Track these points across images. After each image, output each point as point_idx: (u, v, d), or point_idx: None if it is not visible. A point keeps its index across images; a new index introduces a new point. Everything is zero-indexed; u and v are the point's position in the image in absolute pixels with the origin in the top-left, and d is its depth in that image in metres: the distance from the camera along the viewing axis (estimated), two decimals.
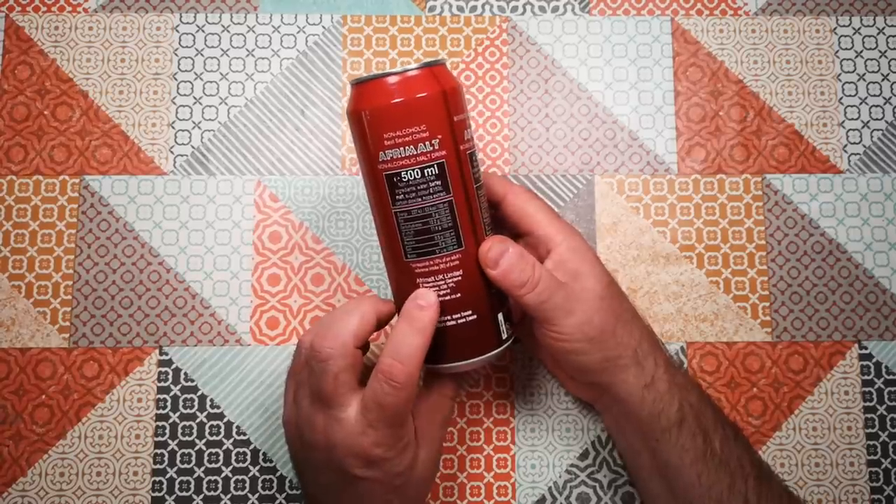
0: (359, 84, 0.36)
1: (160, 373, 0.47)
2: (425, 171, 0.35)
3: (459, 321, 0.37)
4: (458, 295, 0.37)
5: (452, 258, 0.37)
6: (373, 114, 0.35)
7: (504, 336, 0.39)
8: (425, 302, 0.36)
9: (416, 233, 0.36)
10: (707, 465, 0.39)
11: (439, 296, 0.37)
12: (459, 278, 0.37)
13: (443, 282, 0.37)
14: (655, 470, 0.40)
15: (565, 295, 0.39)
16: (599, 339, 0.39)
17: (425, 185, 0.36)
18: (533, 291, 0.38)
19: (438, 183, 0.35)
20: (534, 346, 0.46)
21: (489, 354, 0.38)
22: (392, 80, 0.35)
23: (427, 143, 0.35)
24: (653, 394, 0.40)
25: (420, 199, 0.36)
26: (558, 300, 0.38)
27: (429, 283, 0.37)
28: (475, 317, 0.37)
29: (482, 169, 0.40)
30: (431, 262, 0.37)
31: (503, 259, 0.37)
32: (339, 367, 0.36)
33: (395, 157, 0.35)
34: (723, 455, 0.39)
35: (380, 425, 0.35)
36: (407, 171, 0.35)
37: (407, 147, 0.35)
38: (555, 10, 0.52)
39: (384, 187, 0.36)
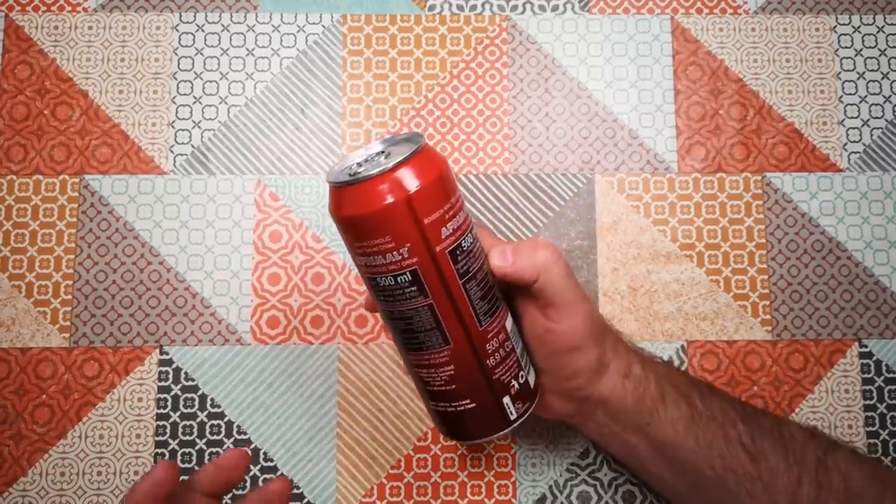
0: (332, 187, 0.34)
1: (161, 372, 0.47)
2: (398, 278, 0.34)
3: (459, 409, 0.37)
4: (454, 387, 0.36)
5: (441, 355, 0.35)
6: (341, 223, 0.34)
7: (512, 417, 0.37)
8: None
9: (403, 331, 0.36)
10: (699, 425, 0.39)
11: (436, 387, 0.36)
12: (452, 373, 0.36)
13: (436, 375, 0.36)
14: (655, 455, 0.40)
15: (576, 283, 0.39)
16: (595, 335, 0.39)
17: (401, 291, 0.34)
18: (554, 268, 0.37)
19: (414, 289, 0.34)
20: None
21: (497, 435, 0.37)
22: (355, 188, 0.33)
23: (395, 252, 0.33)
24: (632, 381, 0.40)
25: (399, 303, 0.35)
26: (574, 284, 0.38)
27: (423, 374, 0.36)
28: (474, 405, 0.36)
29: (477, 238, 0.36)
30: (422, 358, 0.36)
31: (518, 252, 0.37)
32: None
33: (368, 263, 0.34)
34: (707, 411, 0.39)
35: None
36: (382, 277, 0.34)
37: (377, 256, 0.34)
38: (554, 8, 0.52)
39: (370, 286, 0.36)
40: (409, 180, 0.33)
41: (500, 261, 0.36)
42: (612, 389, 0.39)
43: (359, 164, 0.35)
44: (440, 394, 0.36)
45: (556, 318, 0.38)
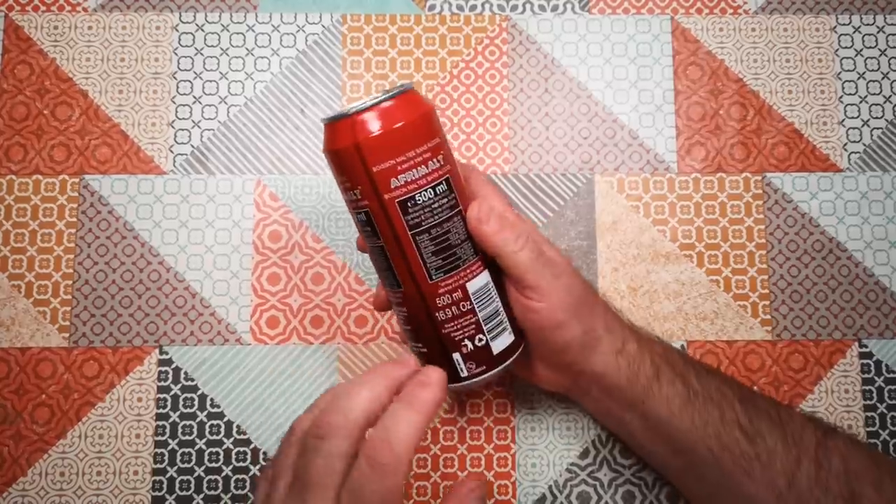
0: (323, 124, 0.37)
1: (160, 372, 0.47)
2: (358, 215, 0.37)
3: (416, 350, 0.39)
4: (409, 328, 0.39)
5: (397, 295, 0.38)
6: (325, 156, 0.37)
7: (463, 374, 0.38)
8: (428, 379, 0.32)
9: (375, 265, 0.39)
10: (694, 405, 0.39)
11: (401, 324, 0.39)
12: (406, 314, 0.38)
13: (399, 312, 0.39)
14: (649, 432, 0.40)
15: (548, 260, 0.38)
16: (579, 309, 0.39)
17: (363, 228, 0.37)
18: (523, 250, 0.37)
19: (369, 229, 0.37)
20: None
21: (449, 386, 0.38)
22: (331, 126, 0.36)
23: (353, 192, 0.36)
24: (626, 358, 0.40)
25: (366, 239, 0.38)
26: (544, 263, 0.38)
27: (395, 309, 0.39)
28: (426, 350, 0.38)
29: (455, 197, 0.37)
30: (389, 293, 0.39)
31: (493, 219, 0.37)
32: (337, 449, 0.30)
33: (342, 198, 0.38)
34: (704, 391, 0.39)
35: None
36: (352, 212, 0.37)
37: (344, 192, 0.37)
38: (554, 8, 0.52)
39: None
40: (367, 127, 0.35)
41: (474, 222, 0.37)
42: (604, 365, 0.39)
43: (335, 111, 0.37)
44: (405, 332, 0.39)
45: (533, 297, 0.38)
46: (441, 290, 0.37)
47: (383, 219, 0.36)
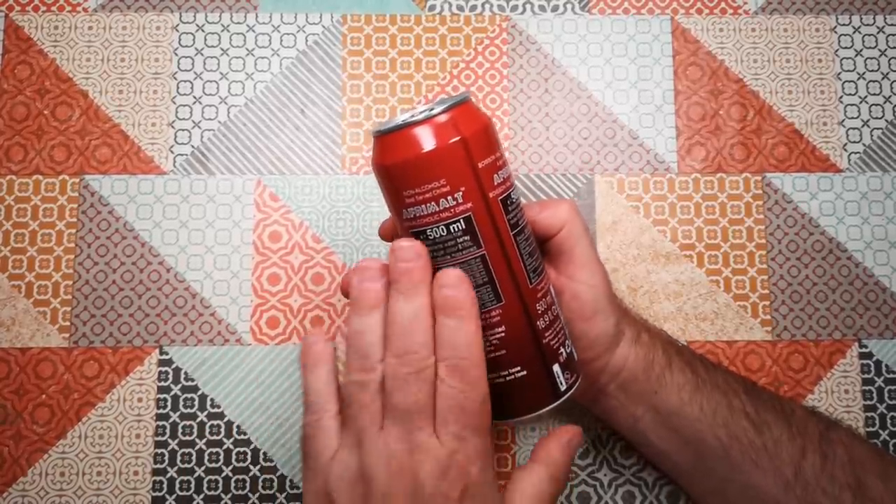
0: (377, 136, 0.34)
1: (160, 372, 0.47)
2: (451, 227, 0.33)
3: (508, 378, 0.35)
4: (504, 352, 0.34)
5: (492, 314, 0.34)
6: (388, 171, 0.33)
7: (563, 388, 0.35)
8: (451, 283, 0.32)
9: None
10: (703, 393, 0.39)
11: (486, 354, 0.33)
12: (503, 335, 0.34)
13: (486, 339, 0.34)
14: (660, 426, 0.40)
15: (593, 243, 0.39)
16: (612, 299, 0.39)
17: (453, 242, 0.33)
18: (576, 220, 0.37)
19: (467, 238, 0.33)
20: None
21: (545, 409, 0.35)
22: (406, 132, 0.32)
23: (449, 197, 0.32)
24: (643, 348, 0.40)
25: (449, 257, 0.33)
26: (590, 241, 0.38)
27: (484, 338, 0.35)
28: (525, 373, 0.34)
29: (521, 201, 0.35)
30: (483, 319, 0.34)
31: (535, 205, 0.37)
32: (429, 375, 0.32)
33: (417, 214, 0.33)
34: (711, 380, 0.40)
35: (468, 434, 0.31)
36: (432, 229, 0.33)
37: (428, 204, 0.32)
38: (555, 9, 0.52)
39: None
40: (462, 124, 0.32)
41: (529, 210, 0.37)
42: (625, 357, 0.39)
43: (406, 118, 0.33)
44: (489, 362, 0.34)
45: (579, 277, 0.37)
46: (539, 295, 0.34)
47: (487, 221, 0.33)
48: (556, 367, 0.35)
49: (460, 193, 0.32)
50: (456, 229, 0.33)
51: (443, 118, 0.32)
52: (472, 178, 0.32)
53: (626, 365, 0.39)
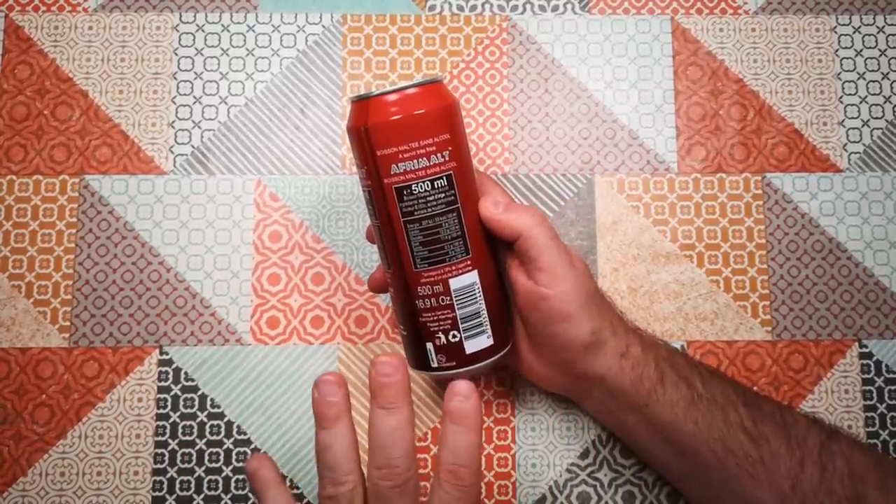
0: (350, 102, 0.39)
1: (160, 372, 0.47)
2: (364, 192, 0.39)
3: (402, 333, 0.41)
4: (395, 307, 0.40)
5: (388, 275, 0.40)
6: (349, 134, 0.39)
7: (433, 364, 0.40)
8: (463, 394, 0.35)
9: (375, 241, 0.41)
10: (698, 408, 0.39)
11: (392, 302, 0.40)
12: (393, 293, 0.40)
13: (390, 292, 0.41)
14: (653, 436, 0.40)
15: (563, 247, 0.39)
16: (588, 306, 0.39)
17: (367, 206, 0.39)
18: (541, 227, 0.38)
19: (371, 207, 0.39)
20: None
21: (420, 372, 0.41)
22: (353, 105, 0.38)
23: (360, 169, 0.38)
24: (630, 361, 0.40)
25: (369, 216, 0.40)
26: (560, 248, 0.39)
27: (389, 290, 0.41)
28: (406, 333, 0.40)
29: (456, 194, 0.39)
30: (385, 272, 0.40)
31: (508, 207, 0.38)
32: (415, 487, 0.35)
33: (357, 174, 0.40)
34: (708, 394, 0.39)
35: None
36: (362, 190, 0.40)
37: (357, 168, 0.39)
38: (555, 9, 0.52)
39: None
40: (379, 111, 0.37)
41: (492, 208, 0.39)
42: (607, 368, 0.39)
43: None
44: (393, 311, 0.41)
45: (546, 283, 0.38)
46: (423, 280, 0.38)
47: (381, 201, 0.38)
48: (428, 345, 0.39)
49: (364, 171, 0.38)
50: (366, 196, 0.39)
51: (372, 100, 0.37)
52: (371, 162, 0.37)
53: (608, 374, 0.39)
